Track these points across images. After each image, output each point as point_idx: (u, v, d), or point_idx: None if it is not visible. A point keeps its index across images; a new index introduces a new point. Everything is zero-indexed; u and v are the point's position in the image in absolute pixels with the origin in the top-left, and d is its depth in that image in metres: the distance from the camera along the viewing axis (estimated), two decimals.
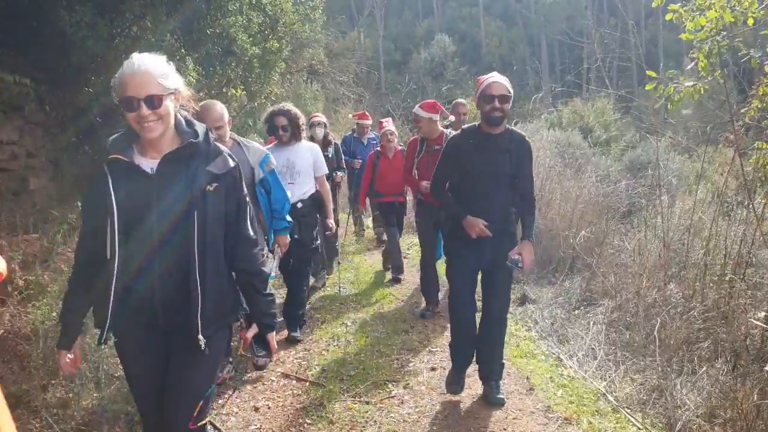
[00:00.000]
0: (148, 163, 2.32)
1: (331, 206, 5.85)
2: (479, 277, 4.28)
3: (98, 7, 5.72)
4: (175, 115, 2.34)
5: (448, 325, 5.74)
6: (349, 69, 25.58)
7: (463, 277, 4.21)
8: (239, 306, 2.62)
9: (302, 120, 5.42)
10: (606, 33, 29.18)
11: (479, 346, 4.28)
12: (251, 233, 2.51)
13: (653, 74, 5.01)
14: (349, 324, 5.93)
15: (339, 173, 7.70)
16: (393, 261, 7.65)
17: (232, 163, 2.42)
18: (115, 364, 4.04)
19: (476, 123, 4.10)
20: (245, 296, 2.60)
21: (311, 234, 5.46)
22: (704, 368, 4.24)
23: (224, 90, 7.90)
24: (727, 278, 4.94)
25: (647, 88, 5.10)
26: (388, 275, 7.79)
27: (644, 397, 4.19)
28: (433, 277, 6.28)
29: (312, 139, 6.96)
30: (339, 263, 7.65)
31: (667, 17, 5.18)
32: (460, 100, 8.09)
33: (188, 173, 2.31)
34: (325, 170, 5.65)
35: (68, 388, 3.82)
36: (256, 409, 4.18)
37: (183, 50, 6.75)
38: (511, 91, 3.93)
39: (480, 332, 4.26)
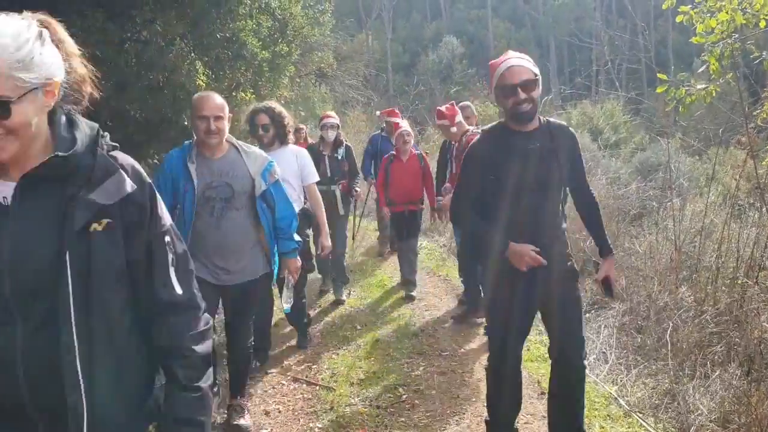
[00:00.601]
0: (3, 189, 1.41)
1: (324, 220, 5.07)
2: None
3: (109, 12, 5.75)
4: (52, 115, 1.48)
5: (460, 329, 5.76)
6: (358, 72, 25.61)
7: (512, 326, 3.20)
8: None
9: (288, 121, 4.87)
10: (615, 35, 29.09)
11: (550, 412, 3.42)
12: (177, 291, 1.60)
13: (664, 77, 4.98)
14: (359, 328, 5.93)
15: (356, 189, 7.00)
16: (404, 275, 7.06)
17: (129, 188, 1.50)
18: None
19: (500, 121, 3.22)
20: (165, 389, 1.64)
21: (303, 252, 4.77)
22: (717, 373, 4.21)
23: (234, 94, 7.89)
24: (739, 282, 4.91)
25: (658, 90, 5.07)
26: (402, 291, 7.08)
27: (656, 402, 4.16)
28: (471, 264, 5.87)
29: (322, 140, 6.82)
30: (350, 293, 7.04)
31: (678, 19, 5.16)
32: (465, 102, 7.31)
33: (60, 204, 1.41)
34: (316, 178, 5.02)
35: None
36: (267, 413, 4.19)
37: (192, 54, 6.76)
38: (537, 71, 3.03)
39: (552, 392, 3.36)
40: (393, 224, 7.26)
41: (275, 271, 3.84)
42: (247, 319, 3.90)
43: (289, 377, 4.79)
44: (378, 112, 9.93)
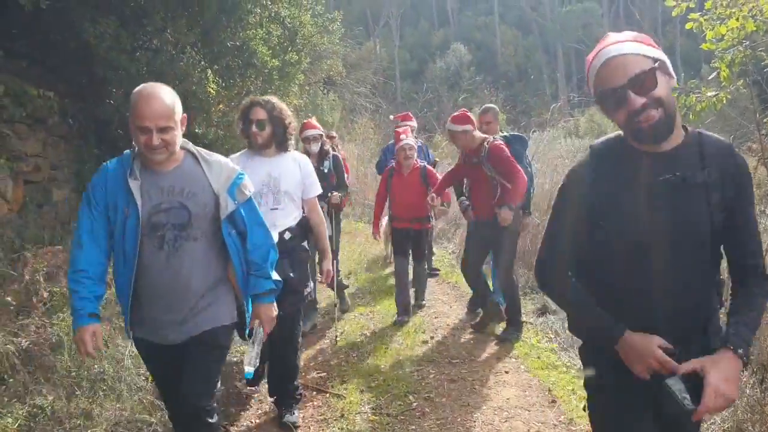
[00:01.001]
0: None
1: (327, 241, 4.28)
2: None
3: (121, 20, 5.83)
4: None
5: (470, 336, 5.75)
6: (366, 79, 25.70)
7: None
8: None
9: (291, 121, 3.97)
10: None
11: None
12: None
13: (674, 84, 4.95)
14: (368, 335, 5.93)
15: (335, 193, 6.01)
16: (398, 298, 6.35)
17: None
18: (137, 374, 4.07)
19: (618, 133, 2.00)
20: None
21: (305, 272, 4.09)
22: None
23: (243, 101, 7.94)
24: None
25: None
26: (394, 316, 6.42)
27: None
28: (476, 281, 5.86)
29: (306, 154, 5.61)
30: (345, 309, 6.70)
31: (687, 26, 5.13)
32: (488, 105, 6.60)
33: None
34: (318, 190, 4.19)
35: (92, 398, 3.86)
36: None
37: (203, 62, 6.82)
38: (657, 54, 1.84)
39: None
40: (395, 240, 6.61)
41: (247, 320, 2.96)
42: (201, 391, 2.79)
43: (299, 385, 4.79)
44: (391, 116, 8.82)
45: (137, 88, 2.56)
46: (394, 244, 6.59)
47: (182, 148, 2.73)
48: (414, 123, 7.62)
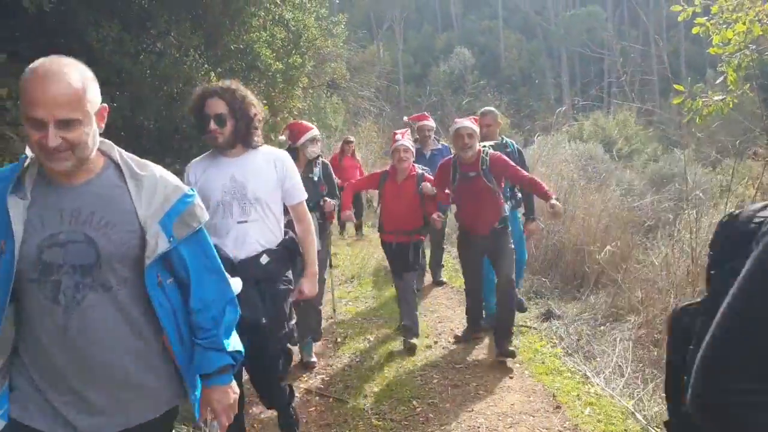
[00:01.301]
0: None
1: (314, 257, 3.40)
2: None
3: (124, 23, 5.82)
4: None
5: (474, 341, 5.71)
6: (370, 83, 25.73)
7: None
8: None
9: (258, 110, 3.20)
10: (628, 45, 29.11)
11: None
12: None
13: (681, 88, 4.96)
14: (371, 339, 5.90)
15: (330, 200, 5.18)
16: (403, 319, 5.64)
17: None
18: None
19: None
20: None
21: (283, 310, 3.22)
22: None
23: None
24: None
25: (675, 101, 5.04)
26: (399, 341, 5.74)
27: None
28: (476, 302, 5.70)
29: (297, 157, 4.88)
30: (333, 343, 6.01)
31: (694, 31, 5.12)
32: (487, 108, 6.23)
33: None
34: (304, 195, 3.37)
35: None
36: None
37: (207, 65, 6.81)
38: None
39: None
40: (386, 255, 5.88)
41: (196, 406, 2.03)
42: None
43: (302, 389, 4.76)
44: (405, 118, 7.83)
45: (32, 64, 1.67)
46: (388, 259, 5.89)
47: (103, 153, 1.88)
48: (431, 123, 7.11)
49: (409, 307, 5.58)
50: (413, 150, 5.61)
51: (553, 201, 4.80)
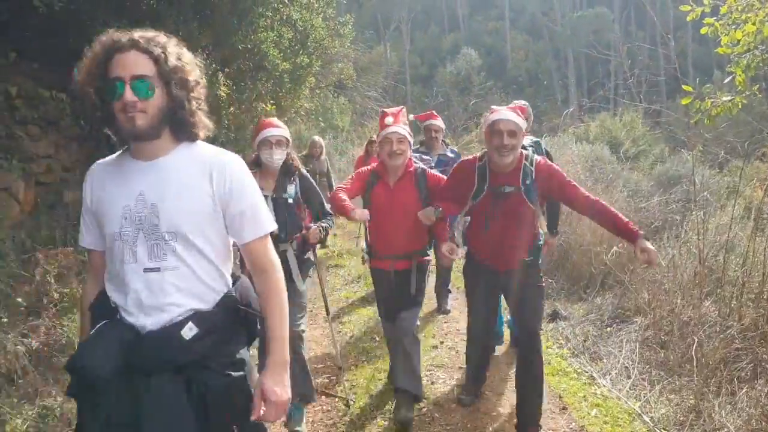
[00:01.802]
0: None
1: (284, 330, 1.97)
2: None
3: (134, 23, 5.84)
4: None
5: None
6: (377, 83, 25.76)
7: None
8: None
9: (198, 78, 1.98)
10: (636, 46, 29.04)
11: None
12: None
13: (690, 88, 4.94)
14: (377, 339, 5.90)
15: (314, 226, 3.91)
16: (398, 380, 4.06)
17: None
18: None
19: None
20: None
21: (227, 425, 1.91)
22: (744, 389, 4.14)
23: (254, 105, 7.97)
24: (765, 297, 4.83)
25: (683, 102, 5.02)
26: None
27: (681, 418, 4.08)
28: (481, 358, 4.36)
29: (258, 166, 3.80)
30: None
31: (702, 31, 5.11)
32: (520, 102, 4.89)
33: None
34: (266, 226, 2.03)
35: None
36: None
37: (215, 65, 6.84)
38: None
39: None
40: (375, 289, 4.31)
41: None
42: None
43: None
44: (411, 116, 6.70)
45: None
46: (377, 294, 4.27)
47: None
48: (440, 122, 6.14)
49: (411, 363, 3.97)
50: (410, 140, 3.92)
51: (646, 243, 3.40)
